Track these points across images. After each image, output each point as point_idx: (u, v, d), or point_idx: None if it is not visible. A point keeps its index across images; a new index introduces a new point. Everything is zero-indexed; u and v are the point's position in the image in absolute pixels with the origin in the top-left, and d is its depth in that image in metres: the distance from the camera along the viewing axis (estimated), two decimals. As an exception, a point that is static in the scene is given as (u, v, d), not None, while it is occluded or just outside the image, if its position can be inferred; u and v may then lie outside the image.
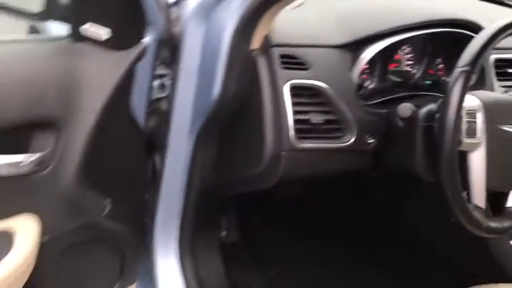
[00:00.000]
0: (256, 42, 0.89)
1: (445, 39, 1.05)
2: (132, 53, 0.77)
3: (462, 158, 0.85)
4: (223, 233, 1.26)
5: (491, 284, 0.90)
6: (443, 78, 1.11)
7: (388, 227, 1.36)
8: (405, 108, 0.89)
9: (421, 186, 1.18)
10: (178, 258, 1.07)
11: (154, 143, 1.04)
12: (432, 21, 1.01)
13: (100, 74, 0.74)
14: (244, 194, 1.28)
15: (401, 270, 1.28)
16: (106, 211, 0.84)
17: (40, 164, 0.70)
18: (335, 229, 1.38)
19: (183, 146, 1.00)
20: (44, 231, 0.73)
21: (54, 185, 0.73)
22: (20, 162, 0.68)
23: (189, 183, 1.03)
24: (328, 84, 0.91)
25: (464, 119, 0.83)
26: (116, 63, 0.75)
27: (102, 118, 0.75)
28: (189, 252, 1.08)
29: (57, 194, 0.74)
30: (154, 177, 1.04)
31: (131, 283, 0.97)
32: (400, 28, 0.98)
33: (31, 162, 0.69)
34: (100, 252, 0.88)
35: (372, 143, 0.96)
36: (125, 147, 0.89)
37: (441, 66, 1.11)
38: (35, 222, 0.72)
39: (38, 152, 0.70)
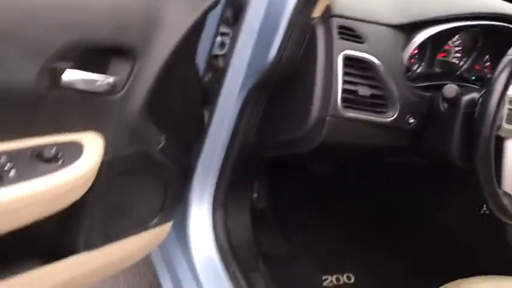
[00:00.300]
0: (318, 11, 0.95)
1: (495, 35, 1.09)
2: (207, 1, 0.83)
3: (498, 144, 0.90)
4: (255, 195, 1.33)
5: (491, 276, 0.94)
6: (488, 75, 1.14)
7: (412, 215, 1.40)
8: (451, 89, 0.93)
9: (449, 176, 1.22)
10: (211, 209, 1.14)
11: (205, 98, 1.11)
12: (486, 13, 1.05)
13: (178, 15, 0.80)
14: (280, 164, 1.34)
15: (418, 256, 1.32)
16: (160, 146, 0.90)
17: (113, 87, 0.77)
18: (359, 211, 1.43)
19: (231, 104, 1.06)
20: (106, 150, 0.80)
21: (122, 110, 0.80)
22: (97, 81, 0.75)
23: (232, 141, 1.10)
24: (379, 60, 0.96)
25: (507, 105, 0.87)
26: (193, 7, 0.82)
27: (173, 57, 0.81)
28: (221, 206, 1.15)
29: (123, 119, 0.81)
30: (201, 131, 1.11)
31: (168, 221, 1.03)
32: (454, 16, 1.03)
33: (107, 83, 0.76)
34: (147, 184, 0.94)
35: (412, 123, 1.00)
36: (185, 91, 0.95)
37: (488, 64, 1.15)
38: (101, 140, 0.79)
39: (114, 76, 0.77)
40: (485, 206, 1.03)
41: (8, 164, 0.67)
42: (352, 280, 1.30)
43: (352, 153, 1.10)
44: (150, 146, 0.89)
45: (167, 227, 1.05)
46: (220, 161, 1.11)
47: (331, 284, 1.28)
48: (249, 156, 1.13)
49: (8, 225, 0.69)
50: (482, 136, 0.86)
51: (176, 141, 0.94)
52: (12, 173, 0.67)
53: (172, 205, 1.02)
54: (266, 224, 1.38)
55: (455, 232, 1.34)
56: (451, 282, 0.93)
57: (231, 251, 1.13)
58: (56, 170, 0.71)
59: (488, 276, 0.94)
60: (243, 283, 1.09)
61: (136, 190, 0.93)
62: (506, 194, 0.90)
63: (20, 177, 0.67)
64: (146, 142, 0.88)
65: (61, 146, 0.74)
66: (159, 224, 1.00)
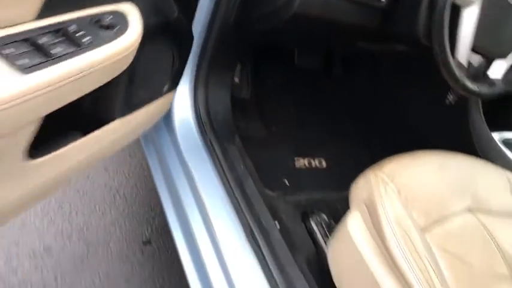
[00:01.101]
0: None
1: None
2: None
3: (455, 14, 0.95)
4: (236, 80, 1.40)
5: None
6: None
7: (383, 108, 1.47)
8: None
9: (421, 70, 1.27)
10: (192, 87, 1.22)
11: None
12: None
13: None
14: (265, 54, 1.39)
15: (386, 147, 1.40)
16: (175, 15, 0.95)
17: None
18: (338, 105, 1.51)
19: None
20: None
21: None
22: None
23: (212, 19, 1.14)
24: None
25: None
26: None
27: None
28: (202, 84, 1.22)
29: None
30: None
31: (176, 87, 1.11)
32: None
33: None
34: (161, 52, 1.00)
35: (383, 1, 1.06)
36: None
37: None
38: (137, 10, 0.82)
39: None
40: (449, 95, 1.09)
41: (81, 32, 0.71)
42: (324, 165, 1.39)
43: (324, 29, 1.15)
44: (169, 15, 0.94)
45: (173, 93, 1.12)
46: (201, 40, 1.17)
47: (303, 166, 1.37)
48: (230, 35, 1.18)
49: (82, 90, 0.73)
50: (438, 4, 0.91)
51: (183, 13, 0.99)
52: (86, 39, 0.70)
53: (179, 72, 1.09)
54: (247, 112, 1.46)
55: (422, 121, 1.41)
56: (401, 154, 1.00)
57: (209, 124, 1.21)
58: (116, 36, 0.74)
59: (437, 151, 1.01)
60: (219, 152, 1.17)
61: (154, 59, 0.98)
62: (459, 64, 0.96)
63: (93, 44, 0.71)
64: (166, 12, 0.93)
65: (112, 14, 0.77)
66: (169, 90, 1.08)
